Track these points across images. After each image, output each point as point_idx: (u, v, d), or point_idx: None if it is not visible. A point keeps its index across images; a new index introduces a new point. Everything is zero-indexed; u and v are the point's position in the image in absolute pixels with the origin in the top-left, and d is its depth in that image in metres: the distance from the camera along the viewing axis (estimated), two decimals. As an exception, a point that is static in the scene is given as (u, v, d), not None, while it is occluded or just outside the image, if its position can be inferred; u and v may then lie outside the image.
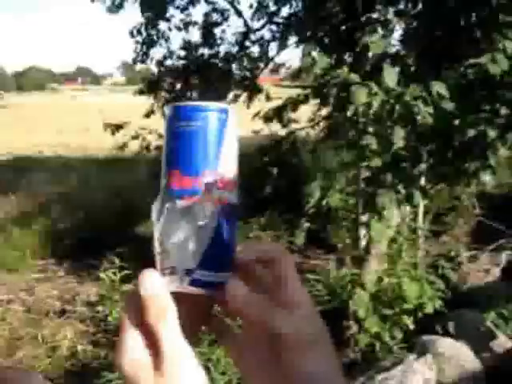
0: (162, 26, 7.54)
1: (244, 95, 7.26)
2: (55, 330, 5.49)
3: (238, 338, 0.66)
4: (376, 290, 4.65)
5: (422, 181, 4.52)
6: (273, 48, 7.45)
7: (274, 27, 7.30)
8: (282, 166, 5.97)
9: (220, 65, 7.38)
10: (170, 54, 7.57)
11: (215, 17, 7.59)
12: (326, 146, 6.47)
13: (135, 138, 7.30)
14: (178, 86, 7.50)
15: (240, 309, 0.60)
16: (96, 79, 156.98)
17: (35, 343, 5.32)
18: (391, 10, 4.84)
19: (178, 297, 0.59)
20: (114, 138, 7.34)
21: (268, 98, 7.06)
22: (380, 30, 4.29)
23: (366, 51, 4.22)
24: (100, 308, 5.93)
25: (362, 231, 5.00)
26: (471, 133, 3.80)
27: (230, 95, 7.36)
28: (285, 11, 9.66)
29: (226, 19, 7.58)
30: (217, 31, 7.53)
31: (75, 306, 6.15)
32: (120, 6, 7.30)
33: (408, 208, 4.87)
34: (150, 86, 7.50)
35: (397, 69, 3.70)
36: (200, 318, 0.65)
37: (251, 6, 7.28)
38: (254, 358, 0.63)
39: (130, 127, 7.33)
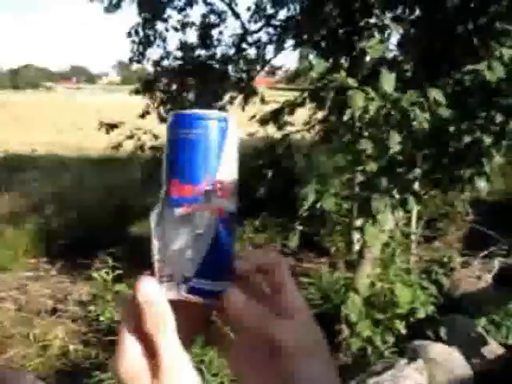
0: (160, 26, 7.54)
1: (240, 97, 7.27)
2: (47, 329, 5.47)
3: (235, 345, 0.66)
4: (369, 294, 4.66)
5: (416, 186, 4.53)
6: (269, 51, 7.46)
7: (271, 30, 7.31)
8: (277, 169, 5.97)
9: (216, 66, 7.38)
10: (167, 54, 7.57)
11: (213, 18, 7.59)
12: (320, 150, 6.49)
13: (130, 137, 7.30)
14: (174, 86, 7.49)
15: (238, 317, 0.60)
16: (91, 78, 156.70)
17: (26, 342, 5.31)
18: (388, 15, 4.85)
19: (175, 304, 0.59)
20: (108, 137, 7.34)
21: (263, 101, 7.08)
22: (377, 35, 4.30)
23: (364, 56, 4.23)
24: (92, 308, 5.91)
25: (356, 235, 5.01)
26: (467, 139, 3.82)
27: (226, 97, 7.36)
28: (282, 14, 9.66)
29: (223, 21, 7.59)
30: (214, 33, 7.54)
31: (67, 305, 6.13)
32: (117, 6, 7.29)
33: (401, 213, 4.89)
34: (146, 86, 7.50)
35: (393, 74, 3.71)
36: (197, 325, 0.65)
37: (249, 9, 7.30)
38: (252, 366, 0.63)
39: (124, 127, 7.33)
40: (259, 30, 7.31)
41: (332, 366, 0.62)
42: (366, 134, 4.10)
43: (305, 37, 5.94)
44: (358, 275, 4.85)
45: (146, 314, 0.57)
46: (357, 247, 5.05)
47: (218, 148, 0.60)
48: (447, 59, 4.19)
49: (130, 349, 0.58)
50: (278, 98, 5.47)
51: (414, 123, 3.56)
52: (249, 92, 7.16)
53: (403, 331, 4.55)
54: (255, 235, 7.62)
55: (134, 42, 7.53)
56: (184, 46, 7.47)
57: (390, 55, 4.42)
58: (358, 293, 4.59)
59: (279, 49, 7.16)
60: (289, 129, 5.85)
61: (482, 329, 4.56)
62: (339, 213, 5.29)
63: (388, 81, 3.58)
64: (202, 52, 7.45)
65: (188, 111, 0.61)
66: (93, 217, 8.65)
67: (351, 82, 3.63)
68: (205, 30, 7.51)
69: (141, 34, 7.48)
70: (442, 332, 4.48)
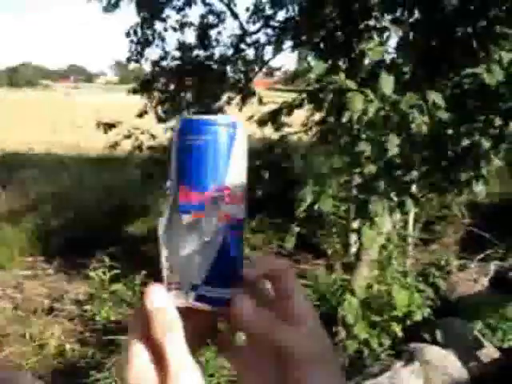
0: (158, 26, 7.53)
1: (237, 98, 7.27)
2: (43, 328, 5.46)
3: (242, 352, 0.66)
4: (365, 296, 4.66)
5: (413, 189, 4.54)
6: (268, 51, 7.45)
7: (269, 31, 7.30)
8: (274, 170, 5.98)
9: (215, 67, 7.37)
10: (166, 54, 7.56)
11: (211, 19, 7.58)
12: (318, 151, 6.49)
13: (128, 137, 7.29)
14: (172, 86, 7.49)
15: (246, 324, 0.60)
16: (89, 77, 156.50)
17: (23, 341, 5.30)
18: (388, 17, 4.85)
19: (183, 311, 0.59)
20: (106, 136, 7.34)
21: (261, 102, 7.08)
22: (376, 37, 4.31)
23: (363, 58, 4.23)
24: (89, 307, 5.91)
25: (353, 237, 5.01)
26: (465, 142, 3.82)
27: (224, 97, 7.36)
28: (281, 15, 9.68)
29: (222, 21, 7.58)
30: (212, 33, 7.53)
31: (64, 304, 6.13)
32: (116, 6, 7.28)
33: (399, 215, 4.89)
34: (144, 85, 7.49)
35: (392, 76, 3.71)
36: (205, 332, 0.65)
37: (247, 9, 7.29)
38: (259, 373, 0.63)
39: (122, 126, 7.32)
40: (258, 30, 7.30)
41: (340, 373, 0.62)
42: (364, 136, 4.10)
43: (303, 38, 5.94)
44: (354, 277, 4.85)
45: (154, 321, 0.57)
46: (354, 249, 5.06)
47: (227, 154, 0.60)
48: (446, 62, 4.20)
49: (138, 356, 0.58)
50: (276, 99, 5.46)
51: (413, 126, 3.56)
52: (247, 93, 7.17)
53: (400, 334, 4.56)
54: (252, 236, 7.61)
55: (132, 41, 7.52)
56: (182, 46, 7.46)
57: (388, 57, 4.42)
58: (354, 295, 4.59)
59: (278, 50, 7.16)
60: (286, 130, 5.86)
61: (479, 332, 4.57)
62: (336, 214, 5.29)
63: (387, 83, 3.58)
64: (200, 52, 7.44)
65: (196, 117, 0.61)
66: (90, 216, 8.65)
67: (350, 83, 3.63)
68: (203, 30, 7.50)
69: (139, 33, 7.47)
70: (439, 335, 4.49)
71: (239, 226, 0.62)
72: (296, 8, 6.80)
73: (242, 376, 0.66)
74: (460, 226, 7.91)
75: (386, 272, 4.84)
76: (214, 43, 7.50)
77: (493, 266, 6.13)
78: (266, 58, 7.47)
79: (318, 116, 5.91)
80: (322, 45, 5.43)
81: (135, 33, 7.47)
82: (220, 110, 7.25)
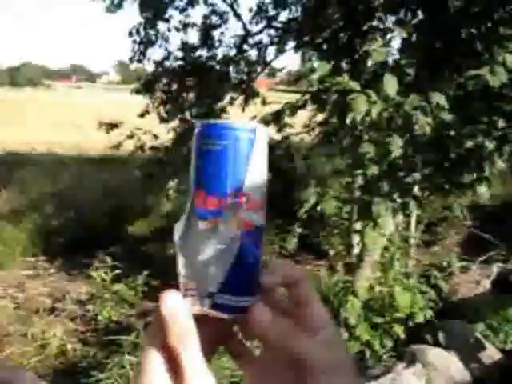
0: (161, 26, 7.53)
1: (240, 98, 7.27)
2: (45, 327, 5.46)
3: (258, 361, 0.65)
4: (368, 297, 4.66)
5: (416, 190, 4.53)
6: (270, 52, 7.46)
7: (272, 31, 7.31)
8: (276, 171, 5.97)
9: (217, 67, 7.37)
10: (168, 54, 7.56)
11: (214, 19, 7.58)
12: (320, 153, 6.48)
13: (130, 137, 7.29)
14: (175, 86, 7.49)
15: (263, 333, 0.59)
16: (91, 77, 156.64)
17: (24, 341, 5.30)
18: (391, 18, 4.85)
19: (199, 318, 0.58)
20: (108, 136, 7.34)
21: (264, 103, 7.07)
22: (379, 38, 4.30)
23: (366, 59, 4.23)
24: (90, 307, 5.92)
25: (355, 239, 5.01)
26: (468, 144, 3.82)
27: (227, 98, 7.36)
28: (284, 16, 9.66)
29: (224, 22, 7.57)
30: (215, 33, 7.53)
31: (65, 304, 6.14)
32: (119, 6, 7.29)
33: (401, 217, 4.89)
34: (146, 85, 7.49)
35: (396, 78, 3.71)
36: (219, 340, 0.64)
37: (250, 10, 7.29)
38: (275, 382, 0.63)
39: (124, 126, 7.33)
40: (261, 31, 7.30)
41: (357, 382, 0.61)
42: (366, 137, 4.10)
43: (306, 39, 5.94)
44: (357, 278, 4.85)
45: (169, 328, 0.56)
46: (356, 250, 5.05)
47: (246, 160, 0.59)
48: (449, 63, 4.19)
49: (154, 362, 0.57)
50: (279, 100, 5.46)
51: (416, 127, 3.55)
52: (249, 93, 7.16)
53: (402, 335, 4.55)
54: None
55: (135, 41, 7.52)
56: (185, 47, 7.46)
57: (391, 59, 4.42)
58: (356, 296, 4.59)
59: (280, 50, 7.16)
60: (288, 131, 5.86)
61: (480, 334, 4.57)
62: (339, 216, 5.28)
63: (390, 84, 3.57)
64: (203, 53, 7.44)
65: (216, 121, 0.60)
66: (92, 216, 8.66)
67: (354, 85, 3.63)
68: (206, 30, 7.50)
69: (142, 33, 7.47)
70: (441, 336, 4.48)
71: (258, 232, 0.60)
72: (299, 9, 6.80)
73: None
74: (462, 228, 7.91)
75: (388, 273, 4.83)
76: (217, 43, 7.50)
77: (495, 268, 6.13)
78: (269, 58, 7.47)
79: (320, 117, 5.91)
80: (325, 46, 5.43)
81: (138, 32, 7.47)
82: (222, 111, 7.25)
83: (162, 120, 7.31)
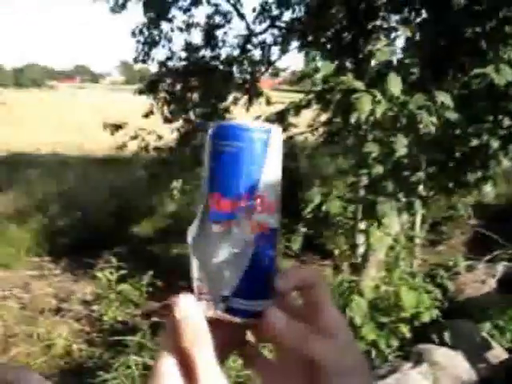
0: (164, 26, 7.54)
1: (244, 98, 7.27)
2: (50, 328, 5.47)
3: (272, 365, 0.65)
4: (373, 297, 4.65)
5: (420, 189, 4.53)
6: (274, 52, 7.45)
7: (276, 31, 7.31)
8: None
9: (221, 67, 7.37)
10: (172, 54, 7.57)
11: (218, 19, 7.58)
12: (324, 152, 6.48)
13: (134, 138, 7.30)
14: (178, 86, 7.49)
15: (278, 337, 0.59)
16: (94, 78, 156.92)
17: (30, 341, 5.31)
18: (394, 17, 4.85)
19: (212, 322, 0.58)
20: (112, 137, 7.34)
21: (268, 103, 7.07)
22: (383, 38, 4.30)
23: (370, 58, 4.22)
24: (96, 307, 5.93)
25: (360, 238, 5.00)
26: (473, 143, 3.81)
27: (230, 98, 7.36)
28: (287, 15, 9.67)
29: (228, 22, 7.58)
30: (219, 33, 7.53)
31: (71, 304, 6.14)
32: (123, 6, 7.31)
33: (406, 216, 4.88)
34: (150, 86, 7.49)
35: (400, 77, 3.70)
36: (233, 343, 0.64)
37: (254, 10, 7.29)
38: None
39: (128, 127, 7.33)
40: (264, 31, 7.30)
41: None
42: (371, 136, 4.09)
43: (310, 38, 5.94)
44: (362, 278, 4.84)
45: (183, 331, 0.56)
46: (361, 250, 5.04)
47: (260, 161, 0.58)
48: (454, 62, 4.19)
49: (167, 365, 0.57)
50: (282, 100, 5.46)
51: (421, 126, 3.55)
52: (253, 93, 7.16)
53: (408, 335, 4.54)
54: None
55: (139, 42, 7.53)
56: (189, 47, 7.46)
57: (395, 58, 4.42)
58: (362, 296, 4.58)
59: (284, 50, 7.16)
60: (293, 130, 5.86)
61: (487, 333, 4.56)
62: (343, 215, 5.27)
63: (395, 84, 3.57)
64: (206, 53, 7.45)
65: (230, 122, 0.59)
66: (96, 216, 8.67)
67: (358, 84, 3.62)
68: (210, 30, 7.50)
69: (146, 34, 7.48)
70: (447, 336, 4.47)
71: (272, 235, 0.59)
72: (302, 8, 6.80)
73: None
74: (467, 227, 7.90)
75: (393, 273, 4.82)
76: (221, 43, 7.50)
77: (501, 267, 6.11)
78: (273, 58, 7.47)
79: (324, 117, 5.91)
80: (328, 45, 5.43)
81: (141, 33, 7.48)
82: (226, 111, 7.25)
83: (166, 120, 7.31)
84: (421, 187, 4.52)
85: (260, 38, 7.38)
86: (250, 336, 0.64)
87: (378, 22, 4.86)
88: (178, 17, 7.60)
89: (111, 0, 7.38)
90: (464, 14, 4.13)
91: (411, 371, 3.95)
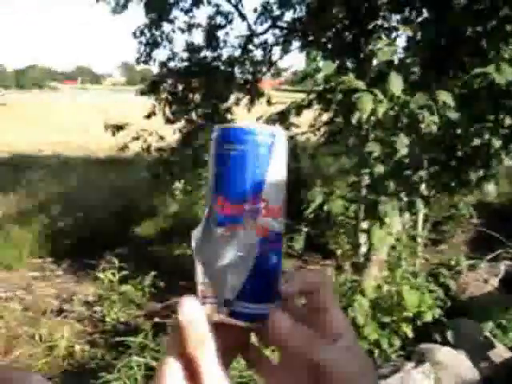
0: (166, 27, 7.55)
1: (245, 98, 7.27)
2: (52, 329, 5.47)
3: (276, 368, 0.64)
4: (375, 297, 4.64)
5: (422, 188, 4.53)
6: (275, 52, 7.45)
7: (277, 31, 7.31)
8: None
9: (222, 68, 7.37)
10: (173, 55, 7.57)
11: (219, 20, 7.59)
12: (326, 152, 6.48)
13: (136, 138, 7.31)
14: (180, 87, 7.50)
15: (283, 340, 0.58)
16: (96, 79, 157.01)
17: (32, 342, 5.31)
18: (395, 17, 4.85)
19: (216, 325, 0.58)
20: (114, 137, 7.35)
21: (269, 103, 7.08)
22: (384, 37, 4.29)
23: (371, 58, 4.22)
24: (98, 308, 5.93)
25: (362, 238, 5.00)
26: (475, 142, 3.81)
27: (232, 98, 7.37)
28: (288, 16, 9.67)
29: (229, 22, 7.58)
30: (220, 34, 7.54)
31: (73, 305, 6.14)
32: (125, 7, 7.32)
33: (408, 216, 4.88)
34: (152, 86, 7.50)
35: (401, 76, 3.70)
36: (237, 347, 0.63)
37: (255, 10, 7.29)
38: None
39: (130, 128, 7.34)
40: (265, 31, 7.31)
41: None
42: (372, 136, 4.09)
43: (311, 38, 5.94)
44: (364, 278, 4.84)
45: (187, 335, 0.56)
46: (363, 250, 5.04)
47: (265, 165, 0.57)
48: (455, 61, 4.18)
49: (172, 369, 0.57)
50: (283, 100, 5.46)
51: (422, 126, 3.55)
52: (255, 93, 7.17)
53: (410, 334, 4.54)
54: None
55: (140, 42, 7.54)
56: (190, 48, 7.47)
57: (397, 58, 4.41)
58: (364, 295, 4.58)
59: (285, 50, 7.16)
60: (294, 130, 5.85)
61: (489, 332, 4.55)
62: (345, 215, 5.27)
63: (396, 83, 3.57)
64: (208, 53, 7.45)
65: (235, 125, 0.59)
66: (98, 217, 8.67)
67: (359, 84, 3.62)
68: (211, 31, 7.50)
69: (147, 35, 7.49)
70: (449, 335, 4.47)
71: (277, 239, 0.59)
72: (304, 8, 6.80)
73: None
74: (469, 226, 7.89)
75: (395, 272, 4.82)
76: (222, 44, 7.51)
77: (503, 266, 6.11)
78: (274, 58, 7.48)
79: (325, 116, 5.91)
80: (329, 45, 5.43)
81: (142, 34, 7.49)
82: (228, 111, 7.26)
83: (168, 121, 7.32)
84: (422, 186, 4.52)
85: (261, 38, 7.39)
86: (254, 339, 0.64)
87: (379, 22, 4.86)
88: (180, 17, 7.63)
89: (112, 1, 7.39)
90: (465, 13, 4.13)
91: (413, 371, 3.94)
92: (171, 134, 7.41)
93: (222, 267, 0.57)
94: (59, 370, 4.93)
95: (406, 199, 4.15)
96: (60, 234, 8.30)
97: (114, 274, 5.96)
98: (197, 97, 7.41)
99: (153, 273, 5.99)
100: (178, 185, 7.34)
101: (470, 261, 6.06)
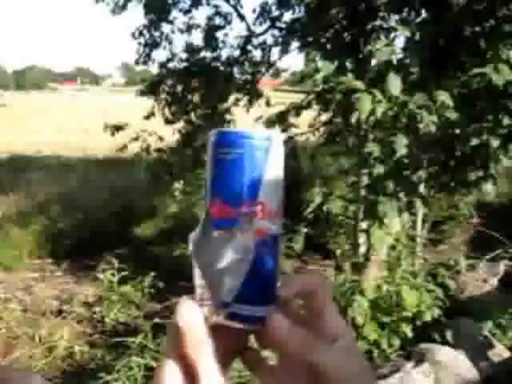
0: (165, 28, 7.55)
1: (245, 99, 7.27)
2: (52, 330, 5.47)
3: (274, 371, 0.65)
4: (375, 297, 4.65)
5: (421, 188, 4.53)
6: (275, 53, 7.45)
7: (276, 32, 7.30)
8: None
9: (221, 68, 7.37)
10: (173, 56, 7.57)
11: (218, 20, 7.58)
12: (325, 152, 6.48)
13: (135, 139, 7.31)
14: (179, 88, 7.49)
15: (281, 343, 0.59)
16: (95, 80, 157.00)
17: (32, 343, 5.31)
18: (394, 17, 4.85)
19: (214, 328, 0.58)
20: (113, 138, 7.35)
21: (268, 104, 7.08)
22: (383, 38, 4.30)
23: (370, 58, 4.23)
24: (97, 309, 5.93)
25: (362, 238, 5.00)
26: (474, 142, 3.82)
27: (231, 99, 7.37)
28: (287, 16, 9.66)
29: (228, 23, 7.57)
30: (219, 35, 7.53)
31: (72, 306, 6.14)
32: (124, 7, 7.32)
33: (407, 216, 4.88)
34: (151, 87, 7.50)
35: (400, 77, 3.71)
36: (236, 350, 0.64)
37: (254, 11, 7.29)
38: None
39: (130, 128, 7.34)
40: (264, 32, 7.30)
41: None
42: (371, 136, 4.10)
43: (310, 39, 5.94)
44: (364, 278, 4.85)
45: (184, 337, 0.56)
46: (363, 250, 5.05)
47: (261, 168, 0.58)
48: (453, 61, 4.19)
49: (170, 371, 0.58)
50: (283, 100, 5.46)
51: (421, 126, 3.55)
52: (254, 94, 7.17)
53: (409, 334, 4.54)
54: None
55: (140, 43, 7.54)
56: (189, 48, 7.47)
57: (395, 58, 4.42)
58: (364, 295, 4.58)
59: (284, 51, 7.16)
60: (294, 131, 5.86)
61: (489, 332, 4.55)
62: (345, 215, 5.27)
63: (395, 84, 3.57)
64: (207, 54, 7.44)
65: (230, 130, 0.59)
66: (98, 218, 8.67)
67: (358, 84, 3.63)
68: (210, 31, 7.50)
69: (147, 35, 7.49)
70: (449, 335, 4.47)
71: (274, 242, 0.60)
72: (303, 9, 6.80)
73: None
74: (468, 226, 7.90)
75: (394, 272, 4.83)
76: (221, 45, 7.49)
77: (502, 266, 6.11)
78: (273, 59, 7.47)
79: (324, 117, 5.91)
80: (328, 45, 5.43)
81: (141, 34, 7.49)
82: (227, 111, 7.26)
83: (168, 121, 7.32)
84: (422, 186, 4.52)
85: (260, 38, 7.37)
86: (252, 341, 0.65)
87: (378, 22, 4.86)
88: (179, 18, 7.61)
89: (111, 1, 7.39)
90: (463, 13, 4.13)
91: (413, 370, 3.95)
92: (171, 135, 7.41)
93: (219, 270, 0.58)
94: (59, 370, 4.93)
95: (405, 199, 4.16)
96: (59, 235, 8.30)
97: (113, 274, 5.96)
98: (196, 97, 7.40)
99: (152, 273, 5.99)
100: (178, 185, 7.33)
101: (469, 261, 6.06)
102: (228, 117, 7.26)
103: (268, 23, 7.25)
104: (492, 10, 3.96)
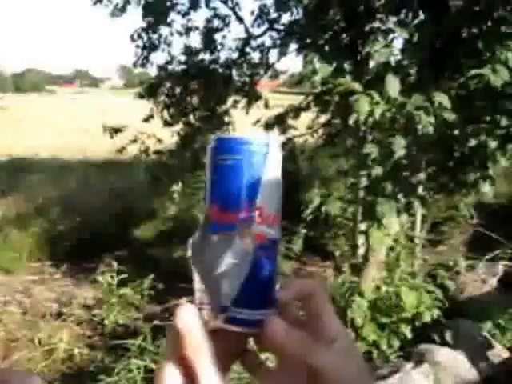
0: (164, 30, 7.54)
1: (243, 101, 7.27)
2: (52, 332, 5.47)
3: (273, 374, 0.65)
4: (374, 298, 4.65)
5: (420, 190, 4.53)
6: (273, 55, 7.45)
7: (274, 34, 7.30)
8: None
9: (220, 70, 7.37)
10: (171, 58, 7.57)
11: (216, 22, 7.58)
12: (324, 154, 6.49)
13: (134, 141, 7.31)
14: (178, 90, 7.50)
15: (279, 346, 0.60)
16: (94, 82, 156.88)
17: (31, 345, 5.30)
18: (392, 19, 4.85)
19: (213, 332, 0.59)
20: (112, 141, 7.35)
21: (267, 106, 7.08)
22: (381, 39, 4.31)
23: (368, 60, 4.23)
24: (97, 311, 5.92)
25: (361, 239, 5.01)
26: (472, 143, 3.82)
27: (230, 101, 7.37)
28: (286, 18, 9.65)
29: (227, 25, 7.57)
30: (218, 37, 7.53)
31: (72, 308, 6.13)
32: (123, 10, 7.31)
33: (406, 217, 4.88)
34: (150, 90, 7.50)
35: (398, 78, 3.71)
36: (235, 353, 0.64)
37: (252, 13, 7.29)
38: None
39: (128, 130, 7.34)
40: (263, 34, 7.30)
41: None
42: (370, 137, 4.10)
43: (308, 41, 5.94)
44: (363, 279, 4.85)
45: (184, 341, 0.57)
46: (361, 251, 5.05)
47: (259, 173, 0.59)
48: (451, 63, 4.19)
49: (170, 375, 0.58)
50: (281, 102, 5.46)
51: (419, 127, 3.56)
52: (252, 96, 7.17)
53: (409, 335, 4.54)
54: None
55: (138, 46, 7.53)
56: (188, 51, 7.47)
57: (393, 59, 4.42)
58: (363, 296, 4.59)
59: (283, 53, 7.16)
60: (292, 132, 5.86)
61: (488, 332, 4.56)
62: (343, 216, 5.28)
63: (393, 85, 3.58)
64: (205, 56, 7.44)
65: (229, 135, 0.61)
66: (97, 220, 8.68)
67: (356, 86, 3.64)
68: (208, 34, 7.50)
69: (145, 38, 7.49)
70: (448, 336, 4.47)
71: (272, 246, 0.61)
72: (301, 11, 6.80)
73: None
74: (467, 227, 7.89)
75: (394, 273, 4.83)
76: (220, 47, 7.49)
77: (501, 267, 6.11)
78: (271, 61, 7.47)
79: (323, 118, 5.92)
80: (326, 47, 5.43)
81: (139, 37, 7.49)
82: (226, 114, 7.26)
83: (166, 124, 7.32)
84: (420, 187, 4.53)
85: (259, 40, 7.37)
86: (251, 345, 0.65)
87: (376, 24, 4.86)
88: (177, 21, 7.61)
89: (110, 4, 7.39)
90: (461, 14, 4.14)
91: (412, 371, 3.95)
92: (170, 137, 7.40)
93: (218, 274, 0.58)
94: (58, 373, 4.93)
95: (403, 200, 4.16)
96: (59, 237, 8.30)
97: (112, 276, 5.95)
98: (195, 99, 7.40)
99: (152, 275, 5.99)
100: (177, 187, 7.33)
101: (468, 261, 6.07)
102: (227, 119, 7.27)
103: (266, 25, 7.25)
104: (490, 11, 3.97)
